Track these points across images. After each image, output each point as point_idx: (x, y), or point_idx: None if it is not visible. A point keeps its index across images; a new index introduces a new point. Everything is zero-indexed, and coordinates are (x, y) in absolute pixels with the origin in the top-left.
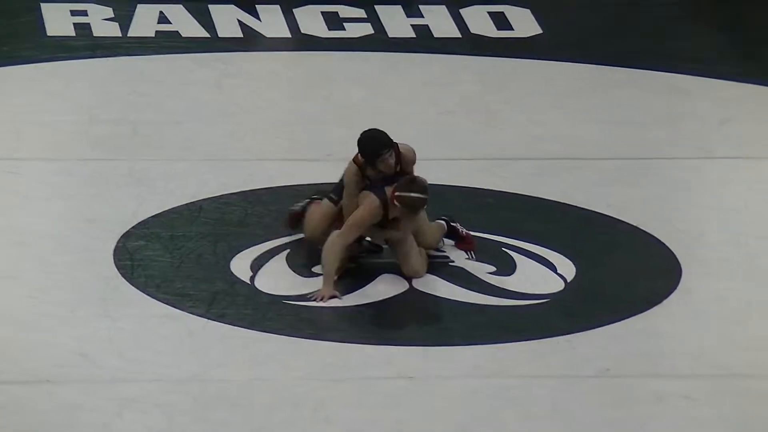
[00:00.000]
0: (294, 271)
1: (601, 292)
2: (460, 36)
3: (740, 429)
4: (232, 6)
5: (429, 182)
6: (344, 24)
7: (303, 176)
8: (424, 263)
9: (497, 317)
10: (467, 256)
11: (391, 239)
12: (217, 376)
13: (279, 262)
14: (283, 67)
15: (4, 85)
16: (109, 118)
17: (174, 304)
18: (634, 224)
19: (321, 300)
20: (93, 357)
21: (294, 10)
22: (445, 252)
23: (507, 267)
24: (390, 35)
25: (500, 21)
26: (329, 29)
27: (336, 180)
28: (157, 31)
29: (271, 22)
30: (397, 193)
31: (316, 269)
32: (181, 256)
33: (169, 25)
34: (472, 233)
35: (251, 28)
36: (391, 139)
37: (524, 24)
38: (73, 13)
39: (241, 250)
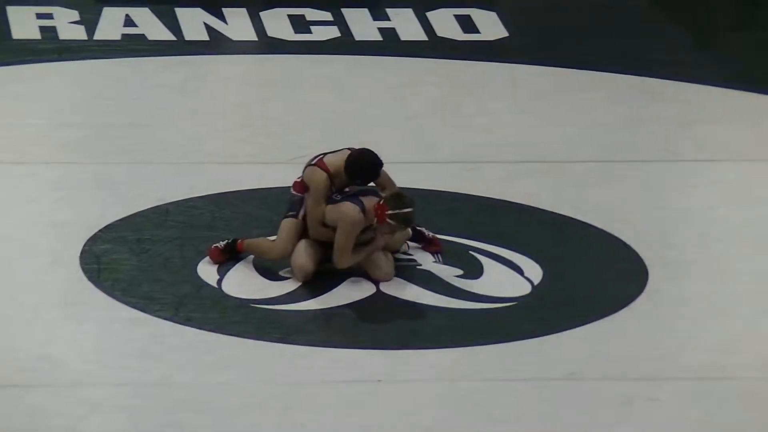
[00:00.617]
0: (261, 275)
1: (568, 295)
2: (426, 39)
3: (707, 431)
4: (199, 9)
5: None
6: (311, 27)
7: (270, 179)
8: (391, 266)
9: (464, 320)
10: (434, 260)
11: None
12: (183, 379)
13: (246, 265)
14: (249, 70)
15: None
16: (74, 121)
17: (140, 308)
18: (601, 227)
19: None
20: (59, 361)
21: (260, 13)
22: (412, 255)
23: (474, 270)
24: (356, 38)
25: (467, 24)
26: (296, 32)
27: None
28: (123, 34)
29: (237, 25)
30: (390, 212)
31: (284, 272)
32: (147, 260)
33: (136, 28)
34: (438, 236)
35: (218, 31)
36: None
37: (491, 27)
38: (39, 16)
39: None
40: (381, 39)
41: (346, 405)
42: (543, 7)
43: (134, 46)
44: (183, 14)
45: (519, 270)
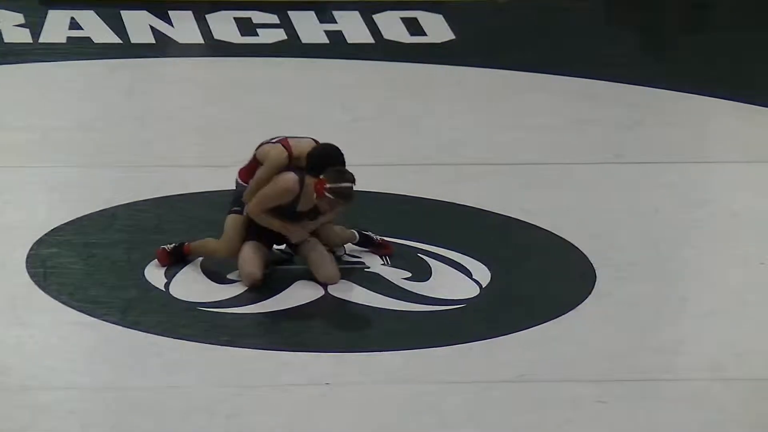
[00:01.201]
0: (209, 278)
1: (516, 297)
2: (373, 42)
3: None
4: (145, 12)
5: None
6: (257, 30)
7: (217, 182)
8: (335, 268)
9: (413, 323)
10: (383, 262)
11: (305, 242)
12: (131, 383)
13: (194, 269)
14: (196, 73)
15: None
16: (19, 124)
17: (87, 312)
18: (548, 229)
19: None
20: (4, 365)
21: (207, 15)
22: (360, 258)
23: (422, 273)
24: (303, 41)
25: (413, 27)
26: (242, 35)
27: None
28: (68, 37)
29: (183, 28)
30: (328, 186)
31: (231, 276)
32: (94, 264)
33: (81, 31)
34: (387, 239)
35: (164, 33)
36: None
37: (437, 30)
38: None
39: (156, 257)
40: (327, 42)
41: (295, 408)
42: (490, 9)
43: (80, 49)
44: (129, 17)
45: (467, 272)
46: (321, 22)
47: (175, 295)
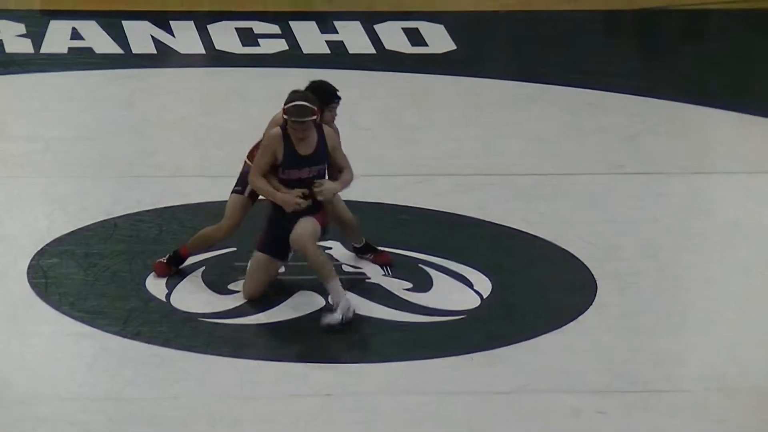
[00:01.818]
0: (210, 289)
1: (518, 307)
2: (374, 52)
3: None
4: (146, 22)
5: (346, 198)
6: (259, 40)
7: (217, 193)
8: (308, 232)
9: (414, 334)
10: (383, 273)
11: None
12: (132, 393)
13: (194, 279)
14: (197, 83)
15: None
16: (21, 134)
17: (88, 322)
18: (549, 239)
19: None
20: (5, 375)
21: (208, 25)
22: (361, 269)
23: (424, 283)
24: (305, 51)
25: (414, 37)
26: (244, 45)
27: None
28: (69, 48)
29: (185, 39)
30: (284, 107)
31: (232, 286)
32: (95, 274)
33: (82, 41)
34: (387, 249)
35: (165, 44)
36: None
37: (438, 40)
38: None
39: None
40: (329, 52)
41: (296, 419)
42: (490, 20)
43: (81, 59)
44: (130, 27)
45: (468, 283)
46: (322, 32)
47: (176, 306)
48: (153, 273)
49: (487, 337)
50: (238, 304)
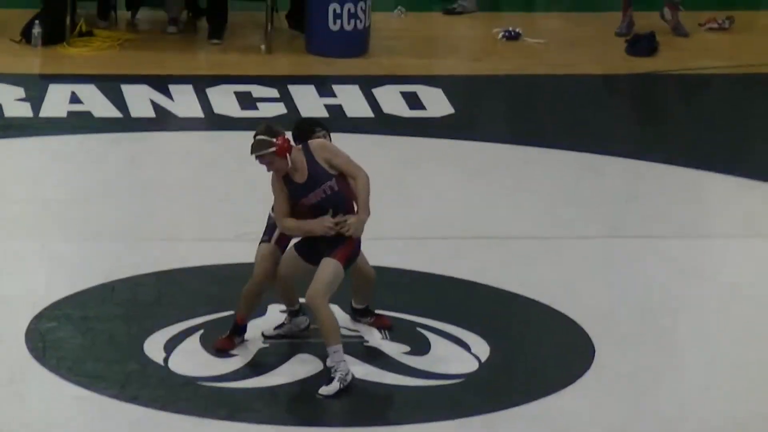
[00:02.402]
0: (208, 352)
1: (516, 371)
2: (372, 116)
3: None
4: (145, 86)
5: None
6: (257, 103)
7: (216, 256)
8: (328, 292)
9: (412, 397)
10: (382, 336)
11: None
12: None
13: (193, 342)
14: (196, 147)
15: None
16: (20, 197)
17: (86, 386)
18: (547, 303)
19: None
20: None
21: (207, 89)
22: (359, 332)
23: (421, 347)
24: (303, 114)
25: (412, 101)
26: (242, 109)
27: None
28: (69, 111)
29: (183, 102)
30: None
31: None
32: (93, 337)
33: (81, 105)
34: (385, 312)
35: (164, 107)
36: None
37: (436, 104)
38: None
39: (155, 331)
40: (327, 115)
41: None
42: (488, 83)
43: (80, 123)
44: (129, 91)
45: (466, 346)
46: (321, 95)
47: (174, 370)
48: (153, 335)
49: (486, 401)
50: (237, 367)
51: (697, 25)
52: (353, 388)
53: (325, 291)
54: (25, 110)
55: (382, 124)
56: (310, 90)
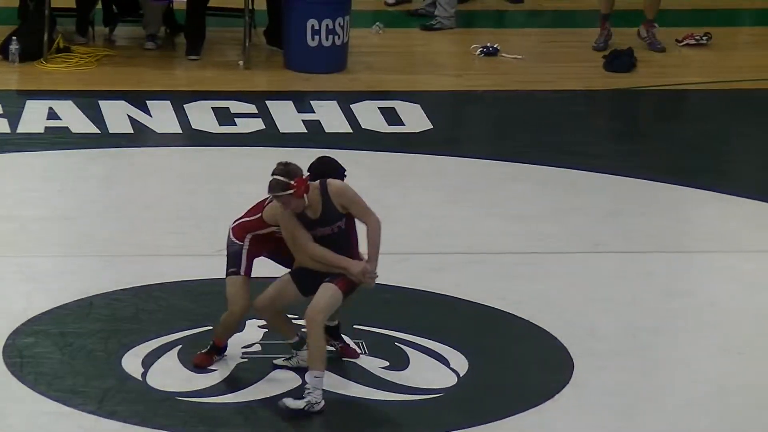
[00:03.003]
0: (186, 367)
1: (494, 386)
2: (351, 131)
3: None
4: (123, 101)
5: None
6: (235, 119)
7: (194, 272)
8: (325, 314)
9: (390, 412)
10: (360, 351)
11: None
12: None
13: (171, 358)
14: (174, 163)
15: None
16: None
17: (65, 402)
18: (527, 318)
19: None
20: None
21: (185, 105)
22: (336, 347)
23: (400, 362)
24: (281, 130)
25: (391, 116)
26: (220, 124)
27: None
28: (46, 127)
29: (161, 118)
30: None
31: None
32: (71, 353)
33: (59, 121)
34: (363, 327)
35: (142, 123)
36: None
37: (415, 119)
38: None
39: (133, 347)
40: (305, 131)
41: None
42: (467, 98)
43: (58, 139)
44: (107, 107)
45: (445, 361)
46: (299, 111)
47: (152, 385)
48: (133, 349)
49: (463, 416)
50: (215, 382)
51: (674, 41)
52: (332, 402)
53: (325, 311)
54: (2, 126)
55: (361, 139)
56: (288, 106)
